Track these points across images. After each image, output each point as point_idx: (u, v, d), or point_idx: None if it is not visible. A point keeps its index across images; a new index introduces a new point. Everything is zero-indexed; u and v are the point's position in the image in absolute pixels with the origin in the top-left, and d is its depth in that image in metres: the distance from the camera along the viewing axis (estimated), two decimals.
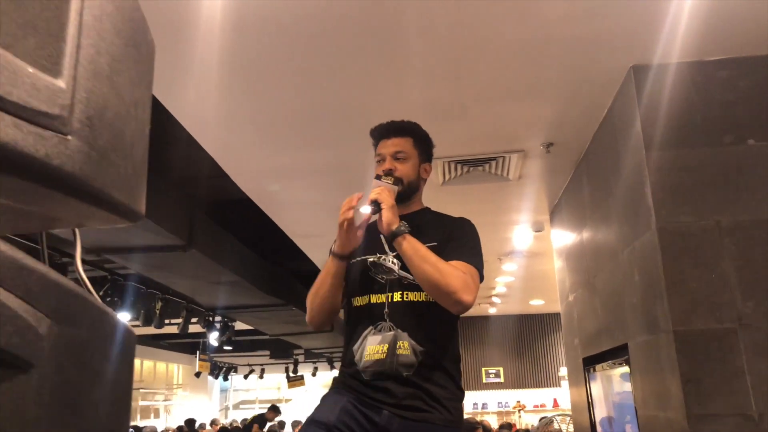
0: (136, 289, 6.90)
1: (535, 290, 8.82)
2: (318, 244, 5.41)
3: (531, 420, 10.77)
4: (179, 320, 7.94)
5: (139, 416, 14.31)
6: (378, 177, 1.76)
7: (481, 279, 1.72)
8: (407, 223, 1.70)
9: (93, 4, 0.53)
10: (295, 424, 10.96)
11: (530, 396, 11.51)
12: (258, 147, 3.51)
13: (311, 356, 15.40)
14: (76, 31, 0.50)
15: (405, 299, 1.71)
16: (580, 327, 4.08)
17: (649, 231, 2.52)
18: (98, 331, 0.55)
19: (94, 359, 0.53)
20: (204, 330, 8.78)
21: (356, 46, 2.53)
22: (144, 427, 9.74)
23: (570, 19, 2.38)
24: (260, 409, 17.37)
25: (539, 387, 11.46)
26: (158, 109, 2.93)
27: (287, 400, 18.38)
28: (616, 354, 3.21)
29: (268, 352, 14.69)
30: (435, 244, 1.73)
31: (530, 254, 6.20)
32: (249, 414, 15.84)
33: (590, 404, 3.99)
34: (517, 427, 9.33)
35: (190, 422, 10.94)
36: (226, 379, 17.29)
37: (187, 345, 14.12)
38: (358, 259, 1.78)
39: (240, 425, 11.58)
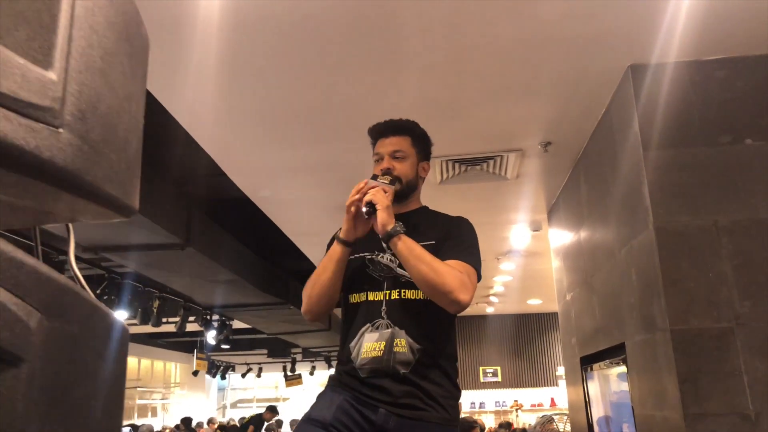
0: (133, 287, 6.90)
1: (533, 290, 8.82)
2: (315, 242, 5.40)
3: (528, 419, 10.78)
4: (177, 319, 7.94)
5: (136, 415, 14.30)
6: (374, 177, 1.75)
7: (479, 278, 1.71)
8: (405, 221, 1.70)
9: None
10: (293, 423, 10.95)
11: (528, 395, 11.53)
12: (256, 145, 3.50)
13: (309, 355, 15.41)
14: (67, 23, 0.50)
15: (403, 297, 1.71)
16: (577, 326, 4.08)
17: (647, 230, 2.52)
18: (90, 327, 0.54)
19: (85, 355, 0.53)
20: (201, 329, 8.78)
21: (354, 45, 2.52)
22: (141, 425, 9.72)
23: (568, 19, 2.38)
24: (258, 407, 17.38)
25: (537, 386, 11.47)
26: (156, 107, 2.92)
27: (285, 399, 18.38)
28: (614, 353, 3.21)
29: (265, 351, 14.71)
30: (433, 242, 1.72)
31: (528, 254, 6.20)
32: (246, 413, 15.84)
33: (587, 403, 3.99)
34: (514, 426, 9.33)
35: (187, 421, 10.93)
36: (223, 377, 17.31)
37: (184, 344, 14.11)
38: (356, 255, 1.77)
39: (237, 424, 11.57)
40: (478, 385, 11.48)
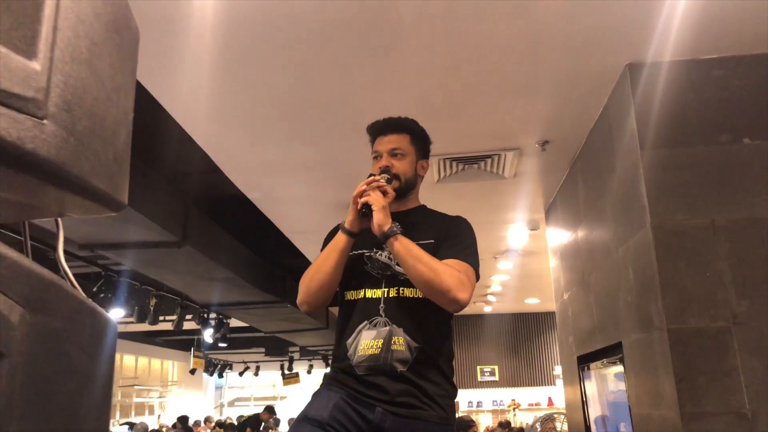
0: (130, 285, 6.88)
1: (531, 289, 8.82)
2: (312, 240, 5.38)
3: (526, 419, 10.78)
4: (174, 317, 7.92)
5: (133, 413, 14.29)
6: (371, 176, 1.75)
7: (477, 277, 1.71)
8: (403, 220, 1.69)
9: None
10: (290, 421, 10.94)
11: (525, 394, 11.52)
12: (252, 142, 3.49)
13: (306, 354, 15.41)
14: (53, 12, 0.49)
15: (401, 295, 1.70)
16: (574, 325, 4.07)
17: (644, 229, 2.51)
18: (76, 322, 0.53)
19: (70, 350, 0.52)
20: (199, 327, 8.76)
21: (351, 42, 2.51)
22: (137, 423, 9.71)
23: (565, 17, 2.37)
24: (255, 406, 17.38)
25: (534, 385, 11.47)
26: (151, 104, 2.91)
27: (282, 398, 18.38)
28: (611, 352, 3.21)
29: (263, 350, 14.69)
30: (432, 241, 1.72)
31: (525, 253, 6.20)
32: (244, 411, 15.85)
33: (584, 403, 3.98)
34: (511, 425, 9.32)
35: (183, 419, 10.92)
36: (221, 376, 17.30)
37: (182, 342, 14.09)
38: (355, 252, 1.76)
39: (235, 422, 11.56)
40: (475, 384, 11.48)
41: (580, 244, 3.72)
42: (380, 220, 1.64)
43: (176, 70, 2.67)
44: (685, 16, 2.34)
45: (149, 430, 9.55)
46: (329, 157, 3.72)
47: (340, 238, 1.72)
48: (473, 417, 9.16)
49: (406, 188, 1.82)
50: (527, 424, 9.49)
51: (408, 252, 1.62)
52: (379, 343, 1.64)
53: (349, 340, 1.70)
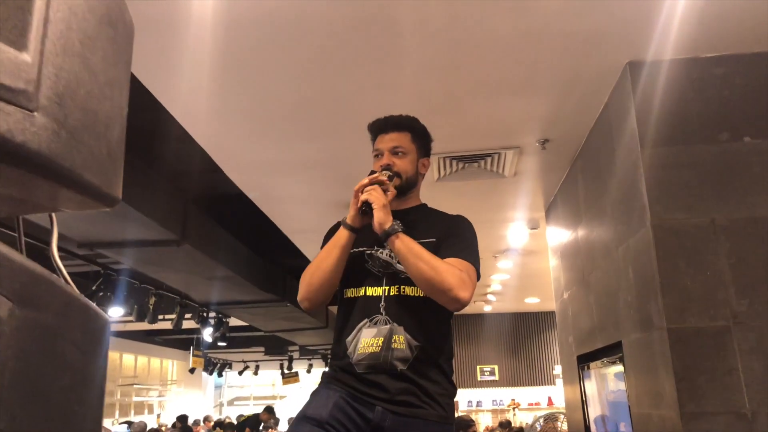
0: (129, 284, 6.87)
1: (531, 288, 8.82)
2: (312, 239, 5.37)
3: (525, 418, 10.77)
4: (173, 316, 7.91)
5: (133, 412, 14.30)
6: (372, 173, 1.74)
7: (478, 276, 1.71)
8: (403, 218, 1.69)
9: None
10: (290, 421, 10.93)
11: (525, 394, 11.52)
12: (251, 141, 3.49)
13: (306, 353, 15.41)
14: (44, 3, 0.48)
15: (402, 293, 1.70)
16: (574, 325, 4.07)
17: (644, 228, 2.50)
18: (67, 318, 0.53)
19: (62, 346, 0.51)
20: (198, 326, 8.76)
21: (350, 39, 2.51)
22: (135, 422, 9.71)
23: (565, 15, 2.36)
24: (255, 405, 17.39)
25: (534, 385, 11.46)
26: (151, 103, 2.90)
27: (282, 397, 18.39)
28: (610, 352, 3.20)
29: (262, 349, 14.69)
30: (433, 240, 1.72)
31: (525, 252, 6.19)
32: (243, 410, 15.86)
33: (584, 402, 3.98)
34: (512, 425, 9.31)
35: (183, 418, 10.92)
36: (220, 375, 17.30)
37: (181, 341, 14.09)
38: (355, 250, 1.76)
39: (234, 421, 11.56)
40: (475, 383, 11.47)
41: (580, 244, 3.71)
42: (381, 218, 1.64)
43: (176, 68, 2.66)
44: (685, 15, 2.33)
45: (148, 429, 9.55)
46: (329, 156, 3.72)
47: (342, 234, 1.71)
48: (473, 416, 9.16)
49: (407, 186, 1.82)
50: (527, 423, 9.48)
51: (409, 250, 1.61)
52: (380, 341, 1.64)
53: (349, 338, 1.69)
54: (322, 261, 1.72)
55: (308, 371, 16.07)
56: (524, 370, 11.49)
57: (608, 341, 3.19)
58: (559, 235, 4.41)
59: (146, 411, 14.92)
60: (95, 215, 4.12)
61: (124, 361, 14.08)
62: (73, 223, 4.46)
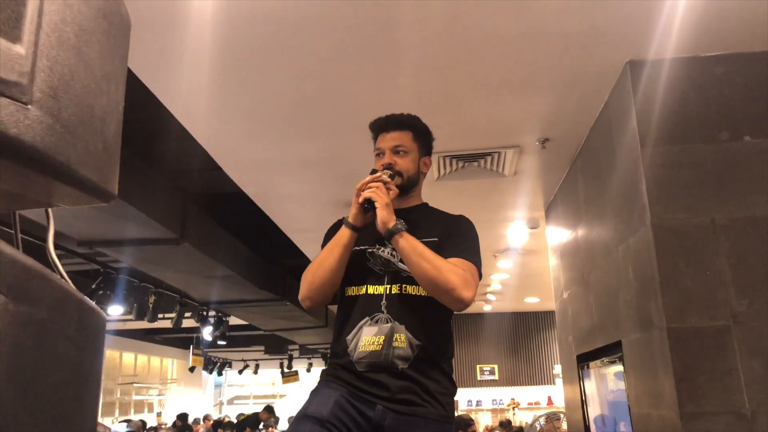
0: (129, 282, 6.87)
1: (530, 287, 8.81)
2: (312, 238, 5.38)
3: (525, 418, 10.77)
4: (173, 315, 7.91)
5: (132, 410, 14.30)
6: (374, 173, 1.74)
7: (480, 276, 1.71)
8: (405, 217, 1.70)
9: None
10: (290, 420, 10.93)
11: (525, 393, 11.51)
12: (251, 139, 3.48)
13: (306, 352, 15.41)
14: None
15: (403, 292, 1.70)
16: (574, 324, 4.06)
17: (644, 228, 2.50)
18: (62, 312, 0.52)
19: (56, 341, 0.51)
20: (198, 325, 8.76)
21: (350, 38, 2.50)
22: (131, 420, 9.71)
23: (566, 14, 2.36)
24: (254, 404, 17.38)
25: (534, 384, 11.46)
26: (151, 101, 2.90)
27: (281, 396, 18.40)
28: (610, 351, 3.20)
29: (262, 348, 14.69)
30: (435, 239, 1.72)
31: (525, 251, 6.18)
32: (243, 409, 15.86)
33: (584, 402, 3.97)
34: (512, 424, 9.30)
35: (183, 417, 10.93)
36: (220, 374, 17.29)
37: (181, 340, 14.10)
38: (357, 248, 1.75)
39: (233, 420, 11.57)
40: (475, 383, 11.46)
41: (580, 243, 3.71)
42: (384, 217, 1.64)
43: (176, 67, 2.65)
44: (686, 14, 2.33)
45: (147, 427, 9.54)
46: (329, 155, 3.71)
47: (344, 233, 1.71)
48: (473, 416, 9.15)
49: (408, 185, 1.81)
50: (526, 423, 9.47)
51: (413, 249, 1.62)
52: (381, 340, 1.64)
53: (349, 336, 1.69)
54: (323, 260, 1.71)
55: (308, 370, 16.06)
56: (524, 370, 11.48)
57: (608, 341, 3.18)
58: (559, 235, 4.40)
59: (146, 410, 14.92)
60: (95, 214, 4.12)
61: (123, 359, 14.08)
62: (73, 222, 4.46)
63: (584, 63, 2.70)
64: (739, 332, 2.27)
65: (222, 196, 5.37)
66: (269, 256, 7.28)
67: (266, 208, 4.74)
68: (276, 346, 14.24)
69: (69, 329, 0.53)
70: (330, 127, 3.32)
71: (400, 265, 1.69)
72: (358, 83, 2.86)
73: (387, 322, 1.66)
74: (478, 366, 11.52)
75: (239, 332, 11.70)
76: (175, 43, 2.47)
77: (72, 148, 0.52)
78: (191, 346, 12.58)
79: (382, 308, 1.68)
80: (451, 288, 1.59)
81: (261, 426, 10.35)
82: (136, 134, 3.79)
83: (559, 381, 10.26)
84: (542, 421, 8.19)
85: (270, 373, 17.56)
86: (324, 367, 1.85)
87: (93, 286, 6.08)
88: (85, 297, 0.58)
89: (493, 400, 11.57)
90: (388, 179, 1.72)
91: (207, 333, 9.06)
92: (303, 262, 6.06)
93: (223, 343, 10.25)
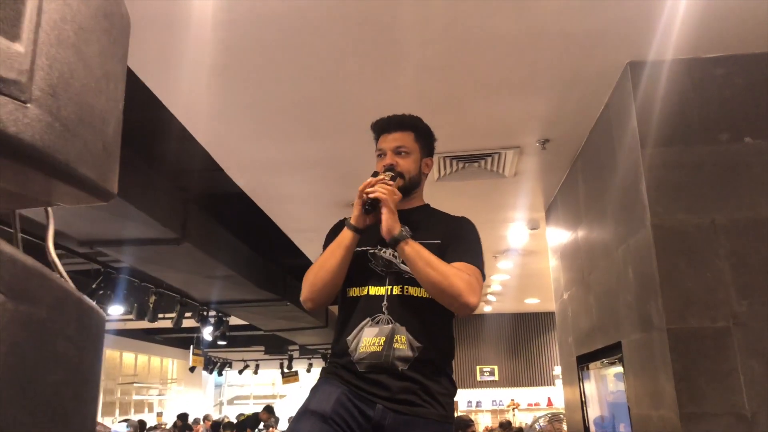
0: (129, 282, 6.87)
1: (531, 288, 8.80)
2: (312, 238, 5.38)
3: (525, 419, 10.76)
4: (173, 315, 7.91)
5: (133, 410, 14.29)
6: (375, 174, 1.73)
7: (484, 278, 1.71)
8: (407, 218, 1.70)
9: None
10: (290, 420, 10.91)
11: (524, 394, 11.50)
12: (252, 140, 3.48)
13: (306, 352, 15.40)
14: None
15: (405, 293, 1.70)
16: (574, 325, 4.06)
17: (644, 228, 2.50)
18: (61, 311, 0.52)
19: (55, 340, 0.51)
20: (198, 325, 8.76)
21: (351, 39, 2.50)
22: (130, 419, 9.70)
23: (566, 15, 2.36)
24: (254, 404, 17.38)
25: (534, 386, 11.45)
26: (152, 101, 2.90)
27: (282, 396, 18.39)
28: (610, 352, 3.19)
29: (262, 348, 14.68)
30: (438, 241, 1.72)
31: (526, 252, 6.18)
32: (243, 409, 15.86)
33: (584, 403, 3.97)
34: (512, 425, 9.29)
35: (183, 416, 10.93)
36: (220, 374, 17.29)
37: (181, 340, 14.09)
38: (357, 249, 1.75)
39: (233, 420, 11.56)
40: (475, 384, 11.46)
41: (580, 244, 3.70)
42: (389, 224, 1.64)
43: (177, 67, 2.65)
44: (686, 15, 2.33)
45: (147, 427, 9.55)
46: (330, 156, 3.71)
47: (346, 235, 1.71)
48: (472, 417, 9.14)
49: (410, 186, 1.81)
50: (526, 424, 9.47)
51: (419, 256, 1.62)
52: (381, 341, 1.64)
53: (350, 337, 1.69)
54: (325, 261, 1.71)
55: (308, 371, 16.06)
56: (524, 371, 11.47)
57: (608, 342, 3.18)
58: (559, 236, 4.40)
59: (146, 410, 14.92)
60: (96, 213, 4.12)
61: (124, 359, 14.08)
62: (74, 221, 4.46)
63: (584, 63, 2.70)
64: (740, 333, 2.27)
65: (222, 196, 5.37)
66: (269, 256, 7.28)
67: (267, 208, 4.74)
68: (276, 347, 14.24)
69: (68, 329, 0.53)
70: (330, 127, 3.32)
71: (402, 266, 1.69)
72: (358, 83, 2.86)
73: (388, 324, 1.66)
74: (478, 367, 11.51)
75: (239, 332, 11.70)
76: (176, 43, 2.47)
77: (71, 147, 0.52)
78: (191, 346, 12.57)
79: (384, 309, 1.68)
80: (457, 294, 1.59)
81: (261, 426, 10.35)
82: (137, 134, 3.78)
83: (559, 382, 10.25)
84: (542, 422, 8.18)
85: (270, 374, 17.55)
86: (324, 366, 1.85)
87: (93, 286, 6.08)
88: (85, 296, 0.58)
89: (492, 401, 11.56)
90: (390, 181, 1.71)
91: (207, 333, 9.06)
92: (303, 262, 6.06)
93: (224, 343, 10.25)
